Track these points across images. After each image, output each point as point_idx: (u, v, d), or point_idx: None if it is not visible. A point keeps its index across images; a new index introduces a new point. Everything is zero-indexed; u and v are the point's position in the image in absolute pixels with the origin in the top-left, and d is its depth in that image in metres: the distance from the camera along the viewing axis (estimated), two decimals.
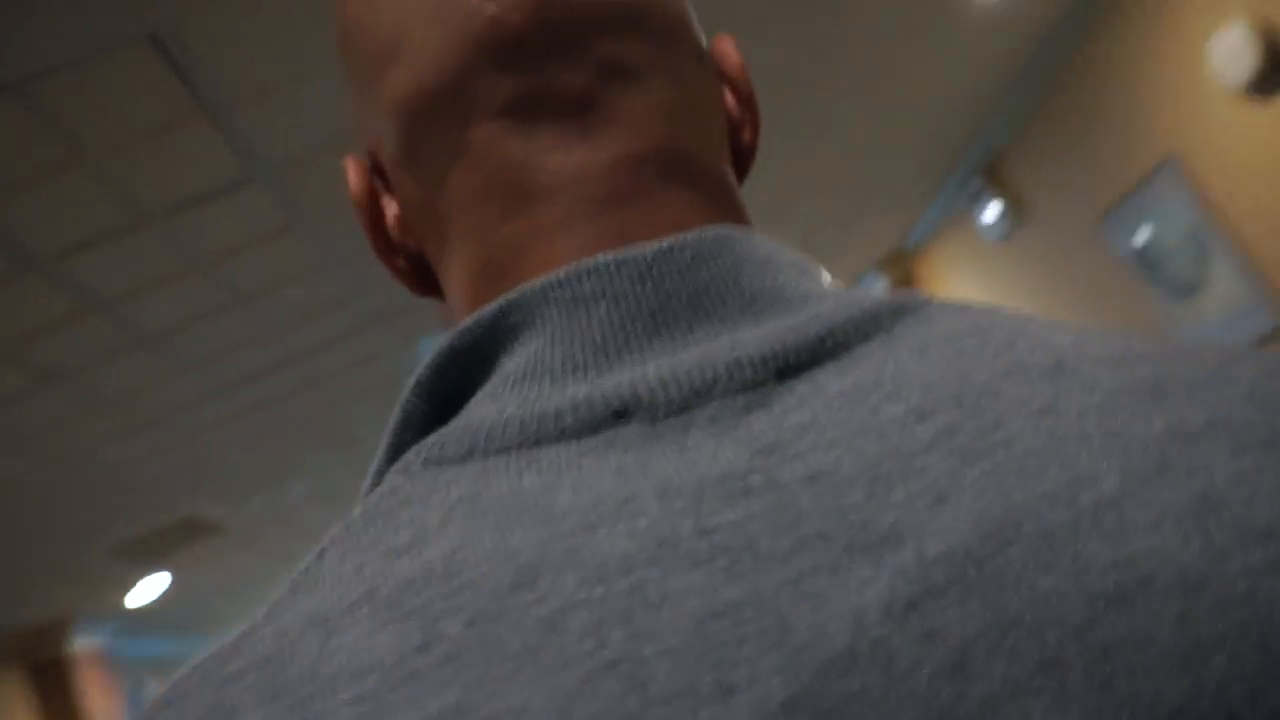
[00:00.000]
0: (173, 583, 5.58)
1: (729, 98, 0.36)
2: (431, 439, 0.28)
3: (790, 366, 0.26)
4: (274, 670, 0.23)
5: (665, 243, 0.29)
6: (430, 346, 4.00)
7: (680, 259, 0.28)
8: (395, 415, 0.31)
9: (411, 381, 0.31)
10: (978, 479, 0.22)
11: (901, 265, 6.38)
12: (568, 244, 0.31)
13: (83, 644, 5.35)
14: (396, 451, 0.31)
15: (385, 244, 0.36)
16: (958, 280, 5.65)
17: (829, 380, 0.25)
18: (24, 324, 2.59)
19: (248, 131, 2.27)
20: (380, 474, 0.31)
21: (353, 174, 0.36)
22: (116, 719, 5.38)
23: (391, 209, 0.35)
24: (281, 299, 3.11)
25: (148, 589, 5.41)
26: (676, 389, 0.25)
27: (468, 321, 0.30)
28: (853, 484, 0.22)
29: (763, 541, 0.22)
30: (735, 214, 0.33)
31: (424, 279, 0.37)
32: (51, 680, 5.20)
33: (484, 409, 0.27)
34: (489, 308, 0.30)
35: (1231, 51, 3.15)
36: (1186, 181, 3.55)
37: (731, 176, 0.35)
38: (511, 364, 0.28)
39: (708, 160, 0.33)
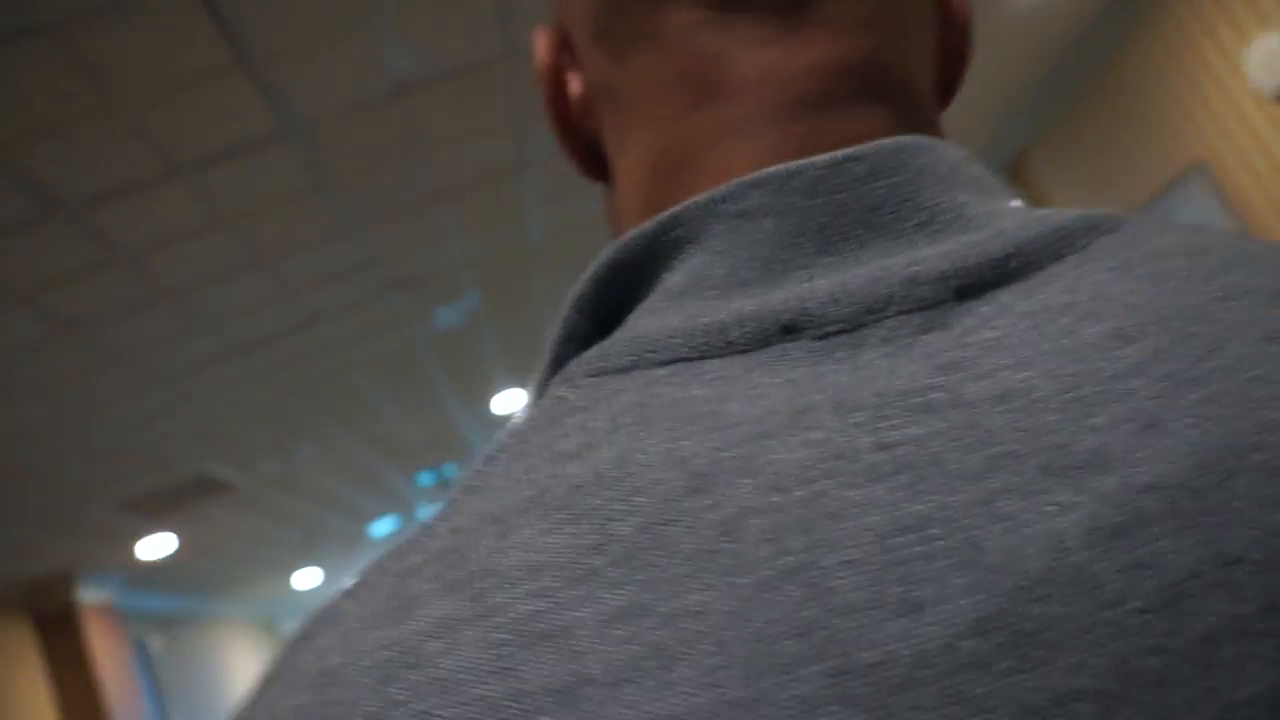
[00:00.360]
0: (180, 541, 5.62)
1: (942, 13, 0.35)
2: (593, 351, 0.28)
3: (971, 285, 0.24)
4: (452, 563, 0.23)
5: (840, 154, 0.28)
6: (446, 318, 4.00)
7: (854, 171, 0.27)
8: (556, 331, 0.31)
9: (572, 296, 0.31)
10: (1193, 405, 0.21)
11: None
12: (748, 147, 0.30)
13: (90, 596, 5.40)
14: (558, 366, 0.31)
15: (563, 121, 0.35)
16: None
17: (1015, 300, 0.24)
18: (46, 271, 2.61)
19: (284, 87, 2.27)
20: (543, 387, 0.31)
21: (540, 45, 0.35)
22: (123, 670, 5.43)
23: (575, 86, 0.35)
24: (301, 261, 3.12)
25: (155, 545, 5.45)
26: (848, 304, 0.24)
27: (630, 235, 0.29)
28: (1047, 405, 0.21)
29: (949, 459, 0.21)
30: (928, 133, 0.32)
31: (596, 163, 0.36)
32: (58, 630, 5.24)
33: (646, 323, 0.27)
34: (652, 222, 0.29)
35: (1267, 59, 3.12)
36: (1215, 187, 3.53)
37: (932, 98, 0.33)
38: (673, 279, 0.28)
39: (908, 77, 0.31)
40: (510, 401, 5.70)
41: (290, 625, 9.67)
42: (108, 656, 5.30)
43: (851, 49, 0.30)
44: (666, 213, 0.29)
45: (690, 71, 0.30)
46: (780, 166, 0.28)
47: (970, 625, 0.19)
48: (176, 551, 5.80)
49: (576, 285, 0.31)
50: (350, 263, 3.26)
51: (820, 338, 0.24)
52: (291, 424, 4.52)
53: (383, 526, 7.64)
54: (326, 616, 0.25)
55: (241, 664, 8.10)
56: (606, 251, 0.30)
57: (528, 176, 3.20)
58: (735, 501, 0.21)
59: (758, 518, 0.21)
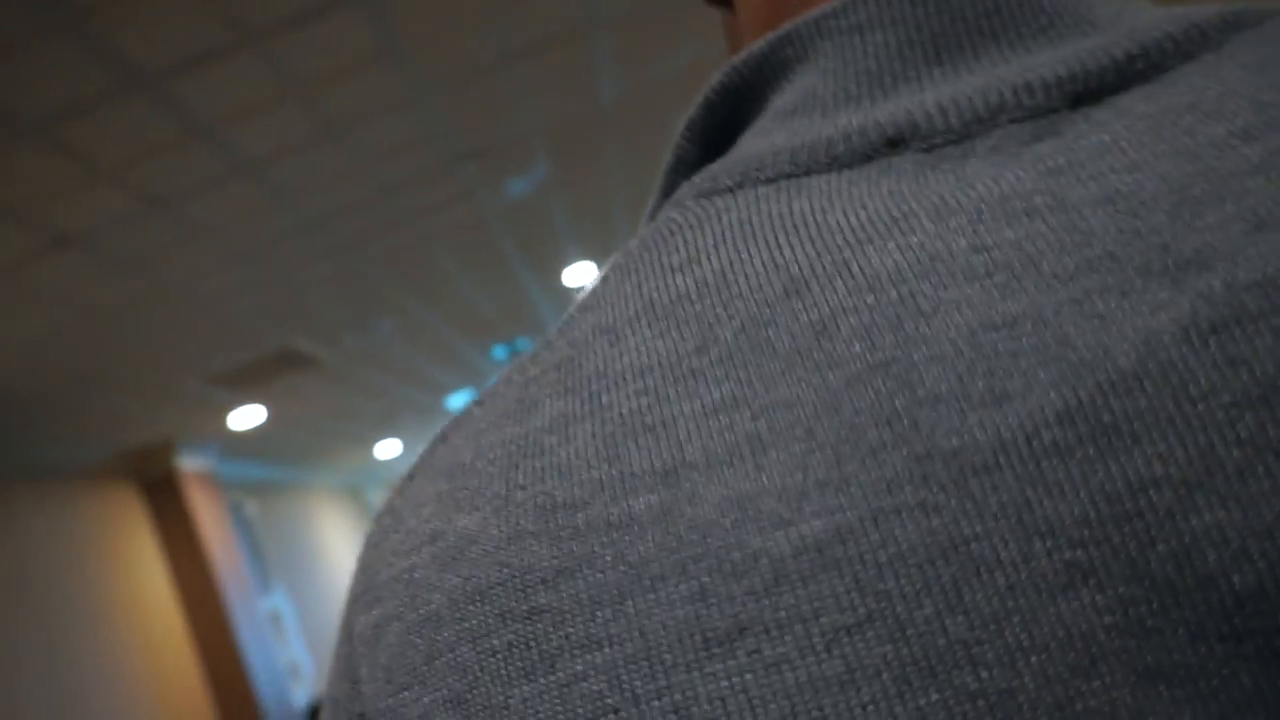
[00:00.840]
0: (268, 413, 5.86)
1: None
2: (702, 174, 0.28)
3: (1089, 91, 0.23)
4: (568, 370, 0.25)
5: None
6: (517, 188, 3.97)
7: None
8: (666, 159, 0.31)
9: (682, 123, 0.31)
10: None
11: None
12: None
13: (189, 464, 5.70)
14: (668, 193, 0.31)
15: None
16: None
17: (1135, 103, 0.23)
18: (131, 146, 2.64)
19: None
20: (654, 212, 0.31)
21: None
22: (223, 532, 5.78)
23: None
24: (372, 132, 3.10)
25: (246, 416, 5.70)
26: (956, 116, 0.24)
27: (738, 58, 0.29)
28: (1155, 206, 0.21)
29: (1045, 260, 0.21)
30: None
31: None
32: (163, 496, 5.57)
33: (754, 144, 0.27)
34: (760, 43, 0.28)
35: None
36: None
37: None
38: (782, 100, 0.28)
39: None
40: (580, 274, 5.71)
41: (375, 493, 10.13)
42: (208, 519, 5.63)
43: None
44: (775, 33, 0.28)
45: None
46: None
47: (1053, 416, 0.19)
48: (266, 422, 6.06)
49: (688, 111, 0.31)
50: (421, 133, 3.23)
51: (926, 150, 0.24)
52: (370, 298, 4.61)
53: (459, 399, 7.85)
54: (458, 422, 0.28)
55: (331, 529, 8.55)
56: (716, 76, 0.30)
57: (599, 37, 3.10)
58: (829, 302, 0.22)
59: (851, 317, 0.21)
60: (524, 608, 0.22)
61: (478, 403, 0.28)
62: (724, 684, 0.19)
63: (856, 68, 0.26)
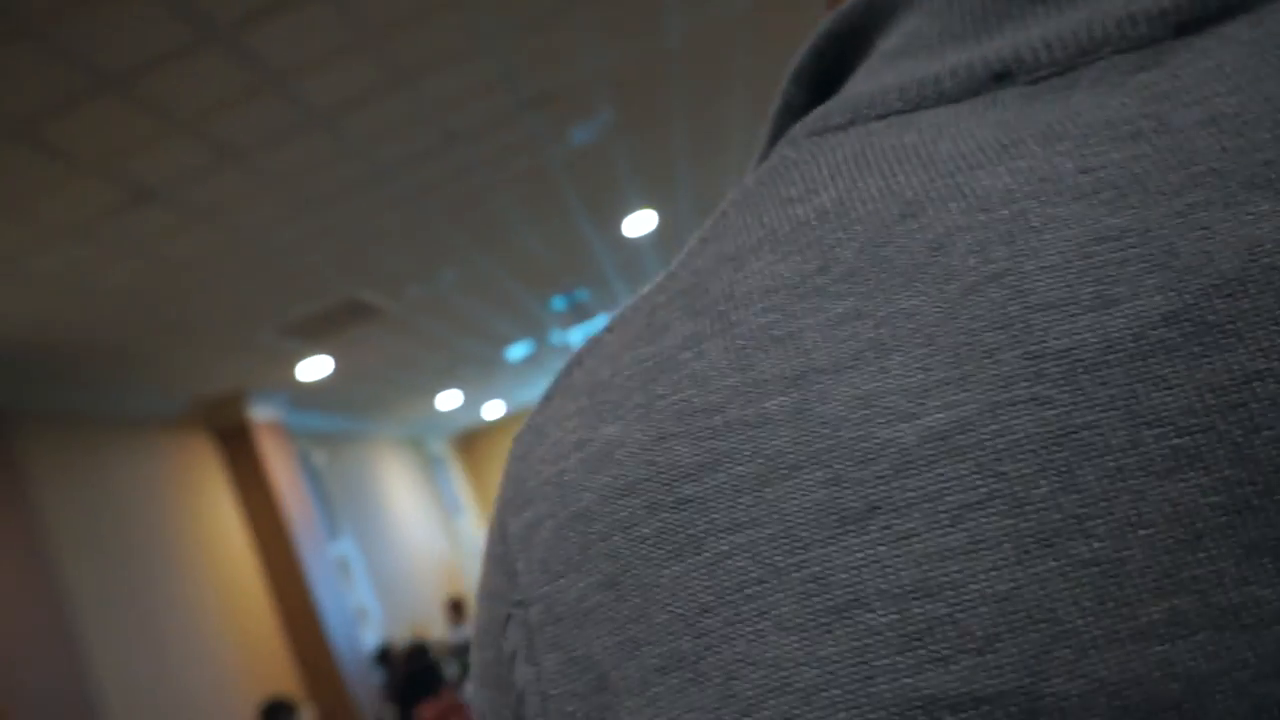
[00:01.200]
0: (336, 363, 5.98)
1: None
2: (813, 114, 0.29)
3: (1192, 20, 0.24)
4: (694, 295, 0.27)
5: None
6: (581, 136, 3.95)
7: None
8: (774, 105, 0.33)
9: (790, 69, 0.32)
10: None
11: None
12: None
13: (260, 414, 5.85)
14: (776, 137, 0.32)
15: None
16: None
17: (1239, 31, 0.23)
18: (206, 98, 2.68)
19: None
20: (765, 154, 0.33)
21: None
22: (293, 480, 5.94)
23: None
24: (438, 80, 3.10)
25: (314, 367, 5.82)
26: (1061, 49, 0.25)
27: (845, 5, 0.30)
28: (1258, 125, 0.22)
29: (1150, 178, 0.22)
30: None
31: None
32: (236, 444, 5.74)
33: (863, 84, 0.29)
34: None
35: None
36: None
37: None
38: (888, 43, 0.29)
39: None
40: (641, 222, 5.69)
41: (436, 443, 10.31)
42: (279, 467, 5.79)
43: None
44: None
45: None
46: None
47: (1159, 318, 0.21)
48: (333, 373, 6.18)
49: (794, 57, 0.32)
50: (485, 80, 3.23)
51: (1032, 82, 0.25)
52: (434, 248, 4.65)
53: (518, 350, 7.92)
54: (590, 347, 0.30)
55: (395, 477, 8.74)
56: (824, 23, 0.31)
57: None
58: (944, 222, 0.24)
59: (965, 234, 0.23)
60: (670, 499, 0.24)
61: (608, 329, 0.30)
62: (858, 555, 0.21)
63: (961, 8, 0.28)
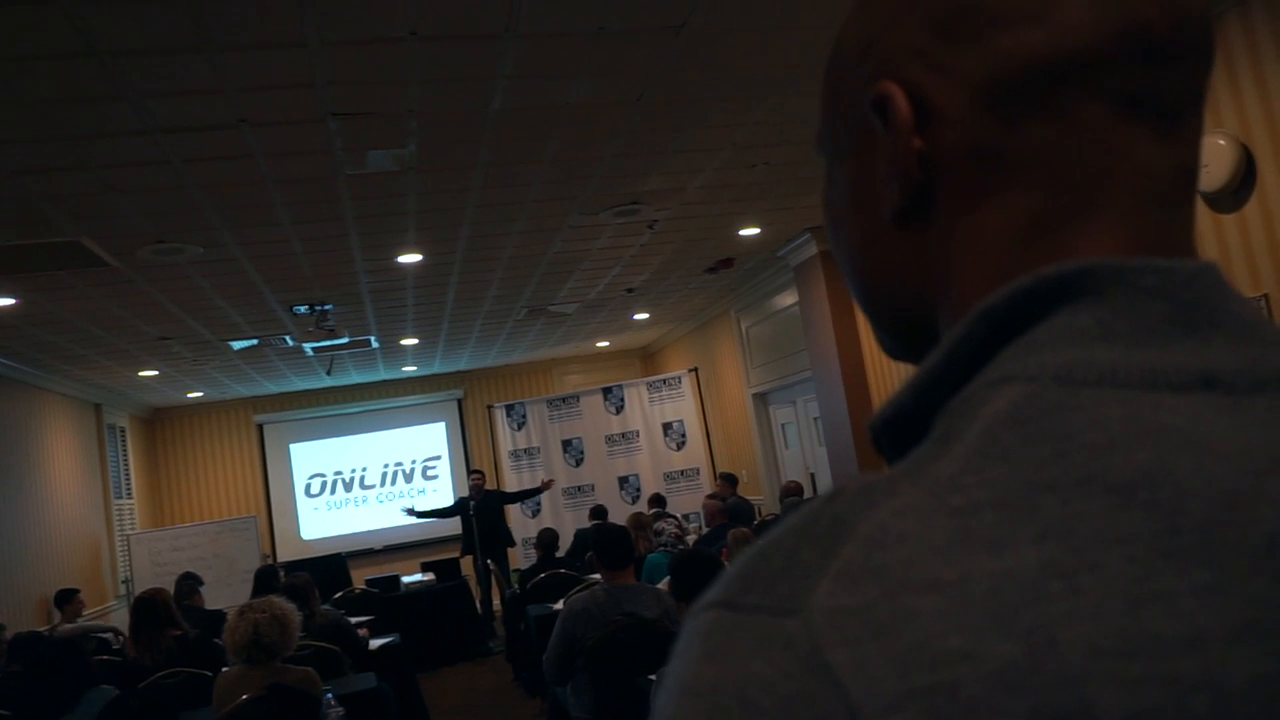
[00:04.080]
0: (23, 303, 5.32)
1: None
2: (1049, 361, 0.34)
3: None
4: (1020, 514, 0.30)
5: (1199, 263, 0.37)
6: (377, 161, 3.87)
7: (1208, 278, 0.36)
8: (960, 334, 0.37)
9: (983, 309, 0.36)
10: None
11: None
12: (1121, 225, 0.38)
13: None
14: (952, 363, 0.37)
15: (905, 163, 0.40)
16: None
17: None
18: None
19: None
20: (941, 379, 0.37)
21: (900, 99, 0.40)
22: None
23: (914, 142, 0.40)
24: (250, 58, 2.95)
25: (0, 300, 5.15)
26: (1249, 374, 0.33)
27: (1029, 278, 0.36)
28: None
29: None
30: None
31: (920, 203, 0.41)
32: None
33: (1072, 351, 0.34)
34: (1055, 268, 0.36)
35: (1206, 160, 3.32)
36: None
37: None
38: (1077, 320, 0.35)
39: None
40: (411, 258, 5.60)
41: (116, 414, 9.32)
42: None
43: (1191, 157, 0.39)
44: (1073, 262, 0.36)
45: (1091, 154, 0.38)
46: (1161, 260, 0.36)
47: None
48: (19, 311, 5.49)
49: (986, 301, 0.37)
50: (298, 74, 3.11)
51: (1229, 394, 0.32)
52: (186, 219, 4.32)
53: (243, 343, 7.42)
54: (874, 532, 0.31)
55: (58, 440, 7.80)
56: (1023, 280, 0.36)
57: (506, 44, 3.11)
58: (1268, 522, 0.29)
59: None
60: None
61: (893, 515, 0.31)
62: None
63: (1143, 319, 0.34)
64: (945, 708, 0.27)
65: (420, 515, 8.89)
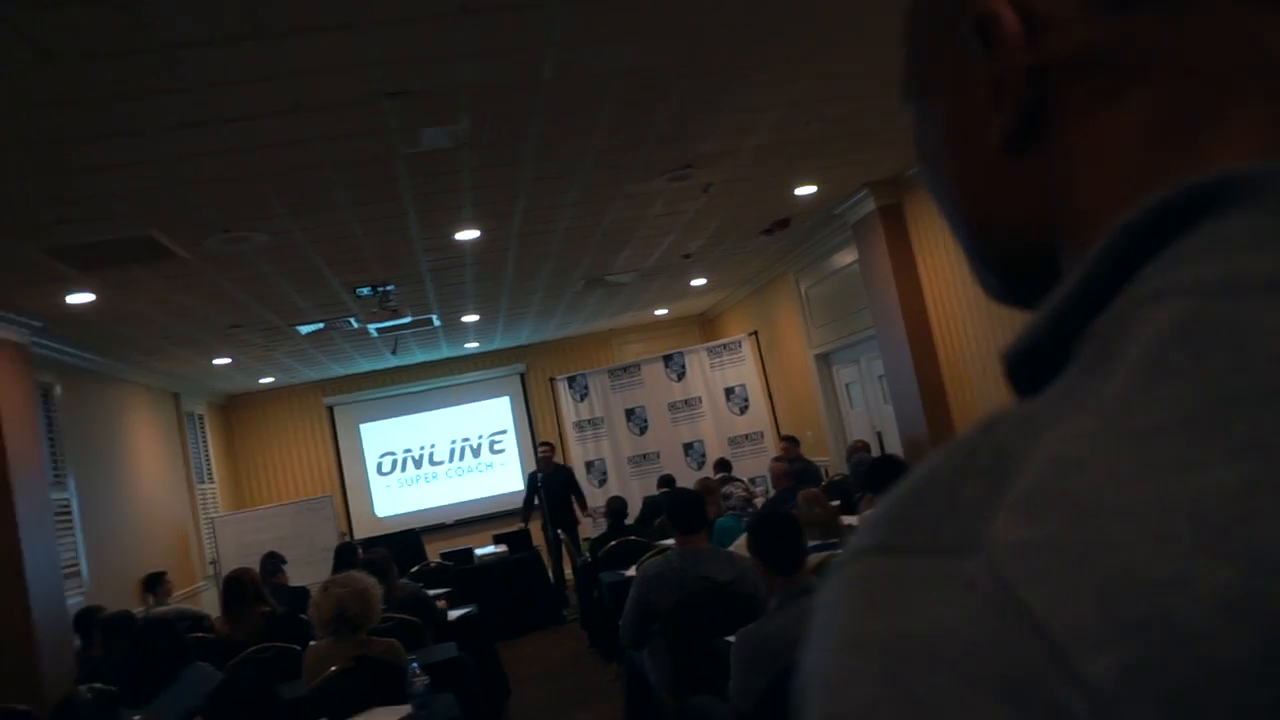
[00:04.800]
0: (106, 299, 5.50)
1: None
2: (1206, 273, 0.31)
3: None
4: (1209, 431, 0.28)
5: None
6: (431, 138, 3.90)
7: None
8: (1100, 248, 0.34)
9: (1126, 222, 0.34)
10: None
11: (893, 191, 6.43)
12: (1261, 123, 0.35)
13: (3, 331, 5.27)
14: (1092, 284, 0.34)
15: (1018, 71, 0.38)
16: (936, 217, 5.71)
17: None
18: None
19: None
20: (1081, 302, 0.34)
21: (1009, 13, 0.38)
22: (24, 406, 5.36)
23: (1026, 57, 0.38)
24: (303, 42, 2.99)
25: (79, 296, 5.33)
26: None
27: (1169, 189, 0.33)
28: None
29: None
30: None
31: (1031, 124, 0.39)
32: None
33: (1229, 261, 0.31)
34: (1199, 176, 0.33)
35: None
36: None
37: None
38: (1229, 230, 0.32)
39: None
40: (469, 234, 5.64)
41: (194, 401, 9.62)
42: (11, 390, 5.23)
43: None
44: (1223, 170, 0.33)
45: (1213, 44, 0.35)
46: None
47: None
48: (98, 307, 5.68)
49: (1130, 213, 0.34)
50: (349, 57, 3.13)
51: None
52: (249, 207, 4.41)
53: (309, 327, 7.58)
54: (1055, 447, 0.29)
55: (141, 429, 8.08)
56: (1160, 193, 0.33)
57: (554, 11, 3.10)
58: None
59: None
60: None
61: (1063, 442, 0.29)
62: None
63: None
64: (1161, 639, 0.25)
65: (530, 511, 9.06)
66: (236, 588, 4.74)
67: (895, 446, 7.02)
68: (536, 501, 9.00)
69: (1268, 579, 0.25)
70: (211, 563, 9.16)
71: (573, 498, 8.95)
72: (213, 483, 9.97)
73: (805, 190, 6.16)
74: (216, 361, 8.41)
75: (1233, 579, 0.25)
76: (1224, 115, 0.35)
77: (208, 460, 9.93)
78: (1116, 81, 0.37)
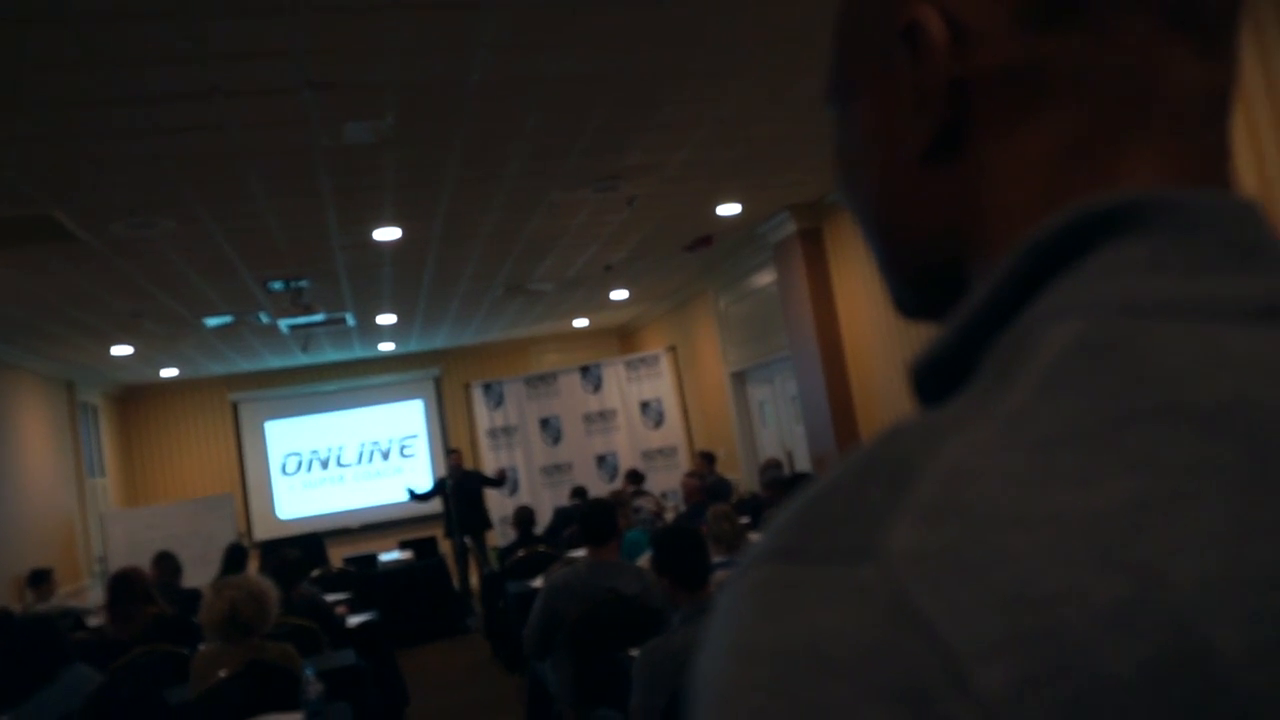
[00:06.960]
0: None
1: None
2: (1107, 292, 0.33)
3: None
4: (1099, 444, 0.29)
5: (1243, 198, 0.36)
6: (354, 133, 3.82)
7: (1254, 213, 0.36)
8: (1004, 268, 0.35)
9: (1031, 243, 0.35)
10: None
11: (814, 215, 6.56)
12: (1164, 149, 0.37)
13: None
14: (998, 298, 0.35)
15: (933, 84, 0.38)
16: (856, 242, 5.85)
17: None
18: None
19: None
20: (988, 316, 0.35)
21: (935, 21, 0.38)
22: None
23: (951, 67, 0.38)
24: (226, 26, 2.90)
25: None
26: None
27: (1076, 209, 0.34)
28: None
29: None
30: None
31: (949, 135, 0.39)
32: None
33: (1130, 282, 0.33)
34: (1105, 199, 0.34)
35: None
36: None
37: None
38: (1131, 251, 0.33)
39: None
40: (389, 233, 5.55)
41: (89, 392, 9.20)
42: None
43: (1229, 78, 0.38)
44: (1127, 194, 0.35)
45: (1129, 73, 0.36)
46: (1214, 193, 0.36)
47: None
48: None
49: (1036, 231, 0.35)
50: (273, 44, 3.06)
51: None
52: (159, 193, 4.25)
53: (217, 320, 7.34)
54: (959, 463, 0.29)
55: (29, 419, 7.69)
56: (1065, 211, 0.35)
57: (488, 14, 3.07)
58: None
59: None
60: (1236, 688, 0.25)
61: (965, 451, 0.30)
62: None
63: (1194, 250, 0.33)
64: (1053, 651, 0.25)
65: (416, 498, 8.84)
66: (124, 586, 4.53)
67: (805, 466, 7.14)
68: (443, 509, 8.85)
69: (1158, 593, 0.25)
70: (100, 559, 8.75)
71: (485, 488, 8.79)
72: (104, 477, 9.54)
73: (729, 209, 6.24)
74: (115, 351, 8.07)
75: (1123, 592, 0.26)
76: (1132, 140, 0.37)
77: (100, 453, 9.50)
78: (1035, 99, 0.37)
